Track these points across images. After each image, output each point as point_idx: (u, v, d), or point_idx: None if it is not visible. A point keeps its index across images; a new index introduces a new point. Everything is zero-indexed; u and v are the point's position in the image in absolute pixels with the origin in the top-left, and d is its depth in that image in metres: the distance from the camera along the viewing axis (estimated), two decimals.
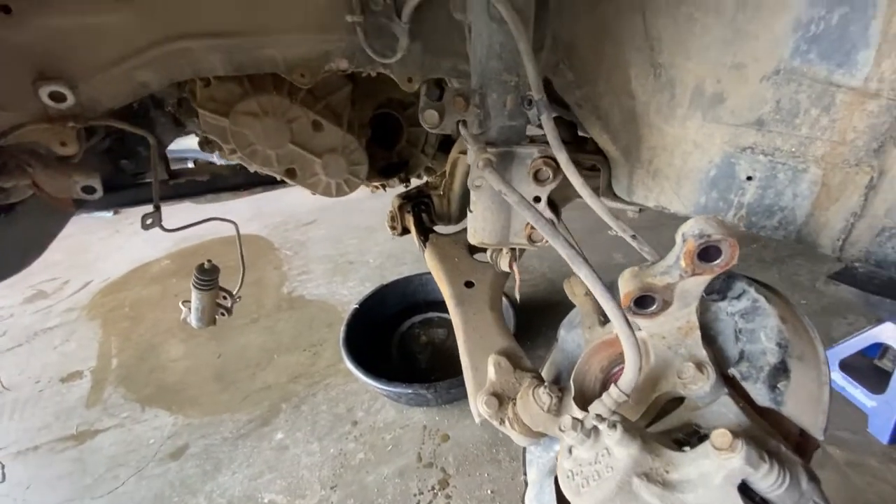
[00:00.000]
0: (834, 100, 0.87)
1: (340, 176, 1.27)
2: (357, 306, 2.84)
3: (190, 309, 1.65)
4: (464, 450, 2.17)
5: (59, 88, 0.89)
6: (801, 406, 0.70)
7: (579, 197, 0.93)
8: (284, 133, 1.18)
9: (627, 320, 0.65)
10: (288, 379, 2.69)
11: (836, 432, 2.07)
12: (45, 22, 0.84)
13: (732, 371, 0.77)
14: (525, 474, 1.10)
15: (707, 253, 0.69)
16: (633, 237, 0.86)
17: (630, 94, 1.13)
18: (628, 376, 0.67)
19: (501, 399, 1.04)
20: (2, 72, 0.87)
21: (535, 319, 2.78)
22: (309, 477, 2.14)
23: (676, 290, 0.74)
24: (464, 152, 1.26)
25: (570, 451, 0.73)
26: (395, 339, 2.88)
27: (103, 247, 4.41)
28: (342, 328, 2.68)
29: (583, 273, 0.67)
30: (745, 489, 0.61)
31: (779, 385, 0.71)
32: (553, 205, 1.03)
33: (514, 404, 1.01)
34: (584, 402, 0.86)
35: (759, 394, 0.72)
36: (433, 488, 2.04)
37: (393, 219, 1.61)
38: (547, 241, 0.86)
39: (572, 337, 1.14)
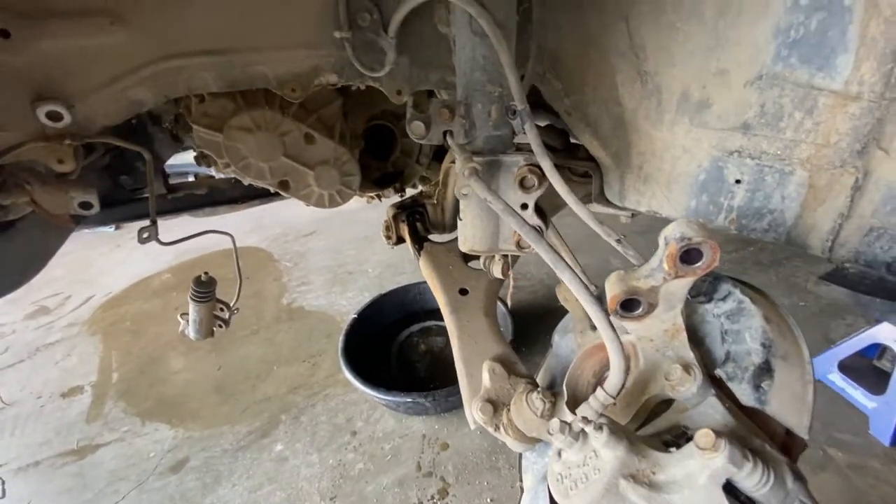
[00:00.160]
0: (816, 103, 0.88)
1: (333, 187, 1.29)
2: (355, 316, 2.85)
3: (188, 321, 1.66)
4: (463, 458, 2.17)
5: (56, 108, 0.92)
6: (786, 405, 0.70)
7: None
8: (277, 146, 1.21)
9: (610, 323, 0.66)
10: (287, 390, 2.70)
11: (837, 434, 2.06)
12: (43, 45, 0.87)
13: (719, 372, 0.78)
14: (521, 481, 1.10)
15: (689, 255, 0.71)
16: (618, 241, 0.87)
17: (618, 102, 1.15)
18: (614, 379, 0.68)
19: (496, 405, 1.05)
20: (1, 94, 0.90)
21: (533, 326, 2.79)
22: (308, 488, 2.13)
23: (661, 293, 0.75)
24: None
25: (559, 454, 0.74)
26: (394, 348, 2.89)
27: (105, 262, 4.43)
28: (340, 338, 2.69)
29: (566, 277, 0.69)
30: (731, 489, 0.61)
31: (763, 385, 0.71)
32: (542, 212, 1.04)
33: (509, 410, 1.02)
34: (576, 406, 0.86)
35: (744, 394, 0.72)
36: (433, 497, 2.03)
37: (388, 228, 1.63)
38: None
39: (566, 342, 1.14)
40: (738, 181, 1.02)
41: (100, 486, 2.27)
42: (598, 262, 3.31)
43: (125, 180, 1.63)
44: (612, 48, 1.10)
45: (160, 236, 1.29)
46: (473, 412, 1.03)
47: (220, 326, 1.69)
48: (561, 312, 1.11)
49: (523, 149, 0.97)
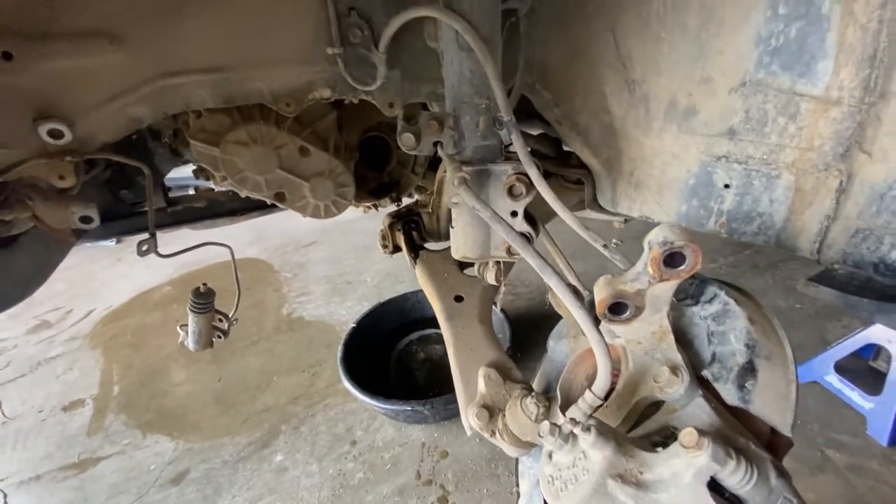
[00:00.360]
0: (799, 108, 0.90)
1: (328, 198, 1.31)
2: (354, 325, 2.86)
3: (187, 332, 1.68)
4: (463, 466, 2.17)
5: (57, 126, 0.94)
6: (769, 404, 0.72)
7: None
8: (273, 159, 1.23)
9: (595, 325, 0.68)
10: (287, 400, 2.70)
11: (835, 436, 2.06)
12: (44, 66, 0.89)
13: (706, 373, 0.79)
14: (517, 486, 1.11)
15: (672, 259, 0.72)
16: (605, 246, 0.89)
17: (607, 110, 1.18)
18: (601, 381, 0.69)
19: (492, 411, 1.06)
20: (4, 113, 0.92)
21: (531, 332, 2.79)
22: (308, 498, 2.13)
23: (647, 296, 0.77)
24: None
25: (550, 456, 0.75)
26: (394, 356, 2.89)
27: (106, 275, 4.46)
28: (340, 348, 2.70)
29: (552, 283, 0.70)
30: (717, 487, 0.63)
31: (747, 384, 0.73)
32: (532, 219, 1.06)
33: (504, 416, 1.03)
34: None
35: (729, 393, 0.74)
36: None
37: (384, 237, 1.65)
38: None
39: (560, 347, 1.16)
40: (726, 186, 1.04)
41: (101, 500, 2.27)
42: (595, 268, 3.31)
43: (126, 194, 1.66)
44: (599, 58, 1.13)
45: (159, 249, 1.31)
46: (469, 418, 1.04)
47: (219, 337, 1.70)
48: (558, 319, 1.13)
49: (512, 158, 1.00)
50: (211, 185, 1.62)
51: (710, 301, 0.86)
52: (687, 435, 0.61)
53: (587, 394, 0.71)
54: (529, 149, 0.95)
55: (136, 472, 2.39)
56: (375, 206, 1.91)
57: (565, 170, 1.62)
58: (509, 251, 1.09)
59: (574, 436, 0.70)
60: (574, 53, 1.17)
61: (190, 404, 2.79)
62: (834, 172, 0.90)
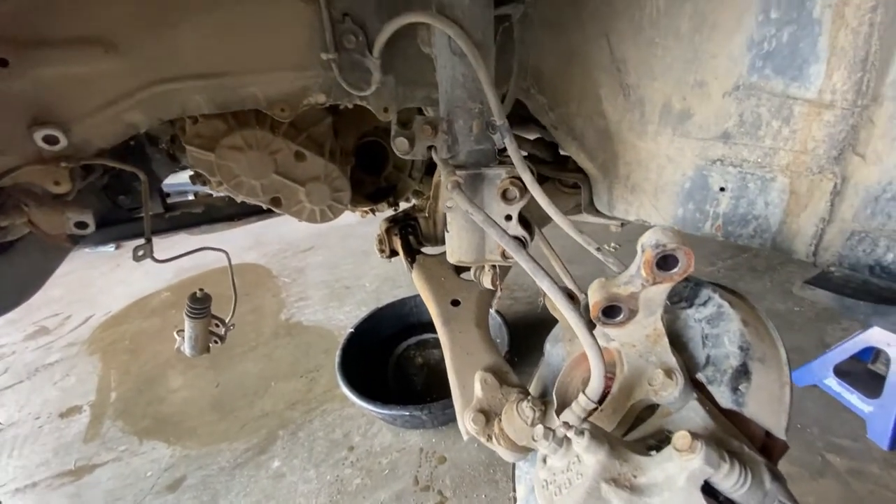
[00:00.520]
0: (792, 112, 0.90)
1: (324, 203, 1.31)
2: (352, 330, 2.86)
3: (184, 338, 1.67)
4: (461, 471, 2.16)
5: (52, 132, 0.95)
6: (763, 407, 0.71)
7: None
8: (268, 164, 1.24)
9: (588, 328, 0.68)
10: (285, 406, 2.69)
11: (835, 439, 2.06)
12: (40, 73, 0.90)
13: (700, 376, 0.79)
14: (514, 491, 1.10)
15: (665, 262, 0.72)
16: (598, 250, 0.89)
17: (602, 114, 1.18)
18: (594, 384, 0.69)
19: (488, 415, 1.05)
20: (0, 120, 0.93)
21: (530, 336, 2.79)
22: None
23: (641, 299, 0.77)
24: None
25: (544, 460, 0.74)
26: (392, 361, 2.88)
27: (105, 281, 4.45)
28: (337, 353, 2.69)
29: (545, 286, 0.70)
30: (711, 491, 0.62)
31: (740, 387, 0.73)
32: (527, 223, 1.06)
33: (501, 420, 1.02)
34: None
35: (722, 396, 0.73)
36: None
37: (381, 242, 1.65)
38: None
39: (557, 351, 1.15)
40: (722, 189, 1.04)
41: None
42: (592, 271, 3.31)
43: (123, 200, 1.66)
44: (594, 63, 1.13)
45: (157, 254, 1.31)
46: (466, 422, 1.04)
47: (216, 342, 1.70)
48: (556, 322, 1.13)
49: (506, 162, 1.00)
50: (209, 190, 1.62)
51: (704, 304, 0.86)
52: (680, 438, 0.61)
53: (581, 397, 0.71)
54: (525, 153, 0.96)
55: (132, 478, 2.38)
56: (373, 211, 1.92)
57: (562, 174, 1.62)
58: (504, 255, 1.09)
59: (568, 440, 0.70)
60: (568, 58, 1.18)
61: (187, 410, 2.77)
62: (828, 175, 0.90)
